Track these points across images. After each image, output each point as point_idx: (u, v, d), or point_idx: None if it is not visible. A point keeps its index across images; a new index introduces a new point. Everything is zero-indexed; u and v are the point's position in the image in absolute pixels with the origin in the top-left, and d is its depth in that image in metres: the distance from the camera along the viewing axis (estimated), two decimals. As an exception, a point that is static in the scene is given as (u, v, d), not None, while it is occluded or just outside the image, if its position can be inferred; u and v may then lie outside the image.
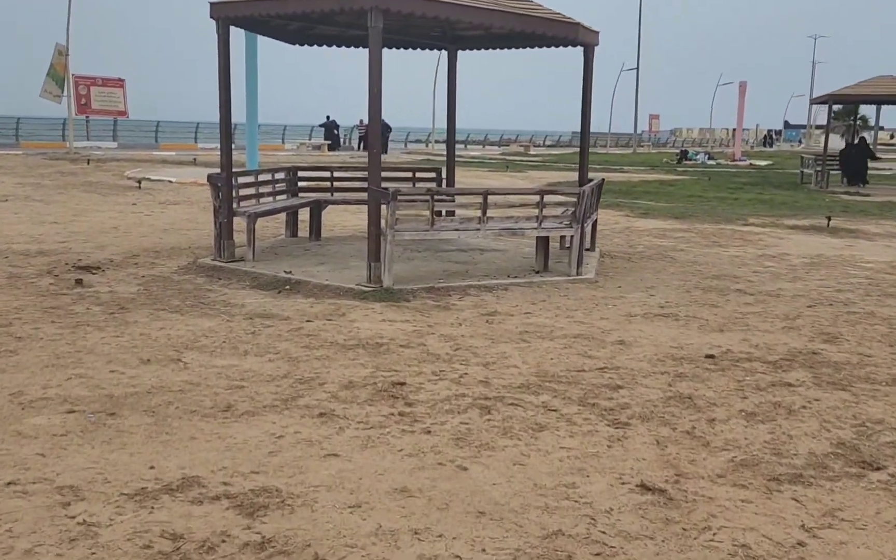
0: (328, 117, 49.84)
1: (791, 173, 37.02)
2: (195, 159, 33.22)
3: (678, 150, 56.21)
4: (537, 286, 9.77)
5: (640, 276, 10.68)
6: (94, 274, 9.84)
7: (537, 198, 9.85)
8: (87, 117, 43.68)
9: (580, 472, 4.62)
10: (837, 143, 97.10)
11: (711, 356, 6.93)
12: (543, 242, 10.34)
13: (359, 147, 50.99)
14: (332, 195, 13.01)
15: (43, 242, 12.04)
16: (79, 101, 40.72)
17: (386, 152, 49.46)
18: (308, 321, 7.81)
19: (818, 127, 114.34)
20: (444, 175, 13.88)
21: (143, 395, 5.63)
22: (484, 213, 9.54)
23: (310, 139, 51.07)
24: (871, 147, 29.73)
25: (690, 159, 49.67)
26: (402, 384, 6.00)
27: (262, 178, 11.89)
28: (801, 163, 31.30)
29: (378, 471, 4.57)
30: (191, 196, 19.66)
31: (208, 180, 10.50)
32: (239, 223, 10.94)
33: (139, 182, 21.29)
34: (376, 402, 5.64)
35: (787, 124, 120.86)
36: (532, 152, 59.36)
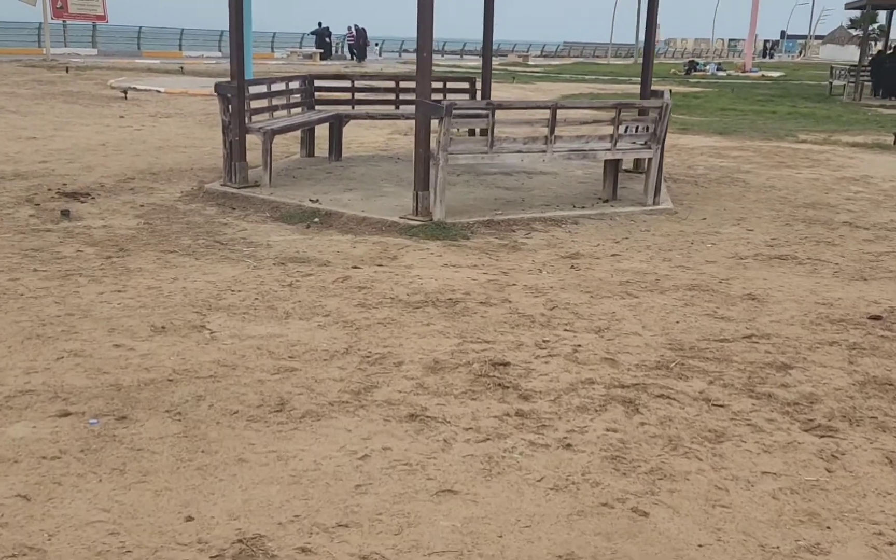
0: (320, 24, 47.34)
1: (812, 85, 35.29)
2: (182, 68, 31.08)
3: (686, 61, 54.01)
4: (611, 218, 8.25)
5: (723, 206, 9.17)
6: (82, 202, 8.23)
7: (612, 113, 8.24)
8: (64, 22, 41.11)
9: (812, 519, 3.18)
10: (851, 53, 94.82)
11: (878, 318, 5.46)
12: (613, 166, 8.78)
13: (351, 56, 48.63)
14: (353, 109, 11.32)
15: (20, 162, 10.36)
16: (54, 4, 38.13)
17: (364, 59, 47.32)
18: (355, 267, 6.28)
19: (818, 37, 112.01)
20: (478, 87, 12.18)
21: (163, 385, 4.12)
22: (552, 131, 7.94)
23: (300, 47, 48.57)
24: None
25: (700, 70, 47.65)
26: (505, 364, 4.52)
27: (275, 88, 10.18)
28: (830, 73, 29.51)
29: (521, 520, 3.11)
30: (183, 108, 17.85)
31: (216, 91, 8.82)
32: (251, 141, 9.30)
33: (125, 92, 19.44)
34: (480, 393, 4.16)
35: (783, 34, 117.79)
36: (531, 63, 57.04)
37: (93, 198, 8.45)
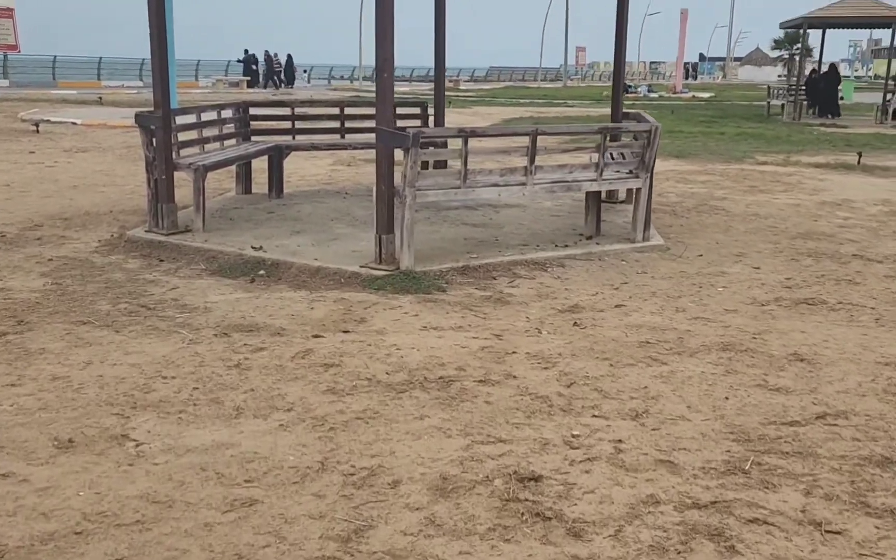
0: (246, 51, 45.87)
1: (745, 105, 35.27)
2: (101, 98, 29.35)
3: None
4: (600, 259, 7.24)
5: (714, 239, 8.26)
6: (-23, 259, 6.88)
7: (596, 139, 7.26)
8: (-28, 52, 38.82)
9: None
10: (768, 73, 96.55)
11: (961, 381, 4.52)
12: (595, 198, 7.79)
13: (277, 84, 47.26)
14: (294, 139, 10.13)
15: None
16: (-39, 33, 35.94)
17: (292, 85, 46.05)
18: (316, 336, 5.11)
19: (736, 59, 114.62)
20: (430, 113, 11.11)
21: (68, 544, 2.89)
22: (531, 161, 6.90)
23: (226, 75, 46.99)
24: (840, 76, 27.89)
25: (632, 92, 47.60)
26: (536, 478, 3.41)
27: (205, 117, 8.94)
28: (768, 93, 29.36)
29: None
30: (101, 141, 16.36)
31: (137, 122, 7.56)
32: (180, 179, 8.06)
33: (37, 125, 17.83)
34: (514, 530, 3.04)
35: (701, 57, 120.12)
36: (462, 88, 56.41)
37: (-10, 252, 7.10)
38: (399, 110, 10.58)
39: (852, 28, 29.04)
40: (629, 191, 8.83)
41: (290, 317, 5.49)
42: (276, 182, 9.67)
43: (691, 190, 11.51)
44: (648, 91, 48.54)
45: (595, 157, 7.38)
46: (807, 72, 28.21)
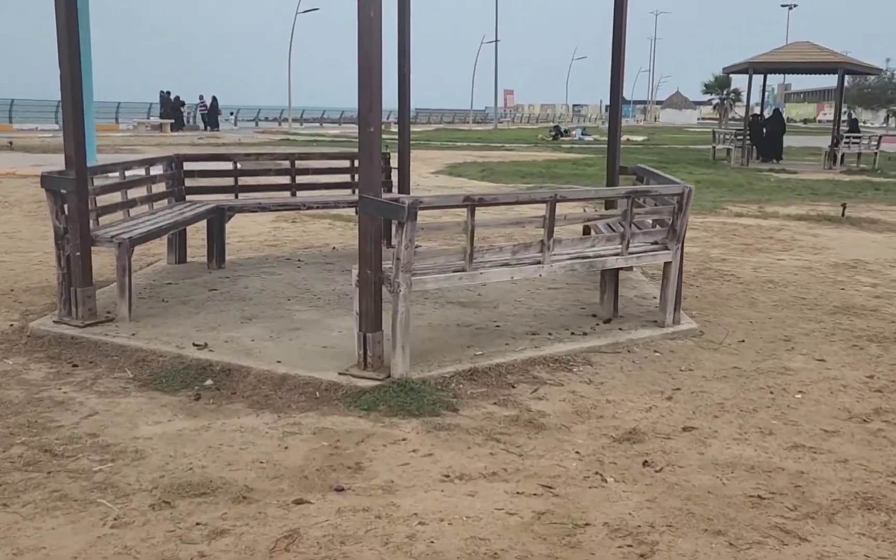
0: (162, 92, 43.74)
1: (683, 149, 34.87)
2: (11, 143, 27.15)
3: (552, 126, 53.55)
4: (629, 350, 5.89)
5: (744, 316, 7.02)
6: None
7: (625, 202, 5.94)
8: None
9: None
10: (688, 116, 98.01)
11: None
12: (613, 274, 6.44)
13: (205, 126, 45.31)
14: (237, 198, 8.57)
15: None
16: None
17: (217, 127, 44.18)
18: (299, 501, 3.59)
19: (658, 102, 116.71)
20: (393, 164, 9.70)
21: None
22: (549, 234, 5.52)
23: (148, 118, 44.79)
24: (784, 120, 27.50)
25: (566, 135, 47.10)
26: None
27: (130, 174, 7.33)
28: (713, 137, 28.84)
29: None
30: (8, 194, 14.46)
31: (44, 186, 5.94)
32: (99, 255, 6.45)
33: (-67, 175, 15.79)
34: None
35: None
36: (394, 130, 55.20)
37: None
38: (344, 163, 9.19)
39: (797, 74, 28.77)
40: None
41: (257, 465, 3.95)
42: (216, 250, 8.08)
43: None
44: (583, 134, 48.11)
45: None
46: (751, 116, 27.76)
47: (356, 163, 9.20)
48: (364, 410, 4.67)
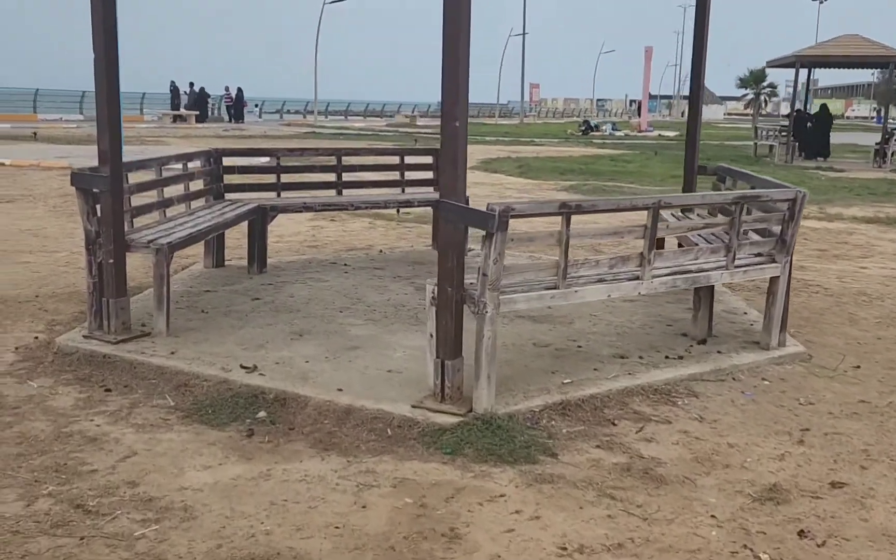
0: (191, 85, 43.21)
1: (718, 145, 33.89)
2: (35, 133, 26.65)
3: (581, 121, 52.62)
4: (734, 378, 5.16)
5: (847, 335, 6.28)
6: None
7: (734, 209, 5.20)
8: None
9: None
10: (714, 111, 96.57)
11: None
12: (708, 292, 5.69)
13: (230, 118, 44.79)
14: (279, 196, 7.89)
15: None
16: None
17: (242, 120, 43.63)
18: (392, 588, 2.88)
19: (684, 97, 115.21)
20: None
21: None
22: (650, 246, 4.79)
23: (172, 109, 44.26)
24: (832, 116, 26.49)
25: (595, 130, 46.16)
26: None
27: (167, 171, 6.67)
28: (755, 134, 27.92)
29: None
30: (33, 186, 13.88)
31: (75, 184, 5.27)
32: (134, 262, 5.80)
33: (-44, 167, 15.25)
34: None
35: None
36: (420, 124, 54.45)
37: None
38: (409, 159, 8.48)
39: (845, 68, 27.76)
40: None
41: (333, 531, 3.25)
42: (258, 253, 7.41)
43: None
44: (613, 129, 47.12)
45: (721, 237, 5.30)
46: (796, 112, 26.81)
47: (405, 159, 8.57)
48: (447, 454, 3.97)
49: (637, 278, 4.86)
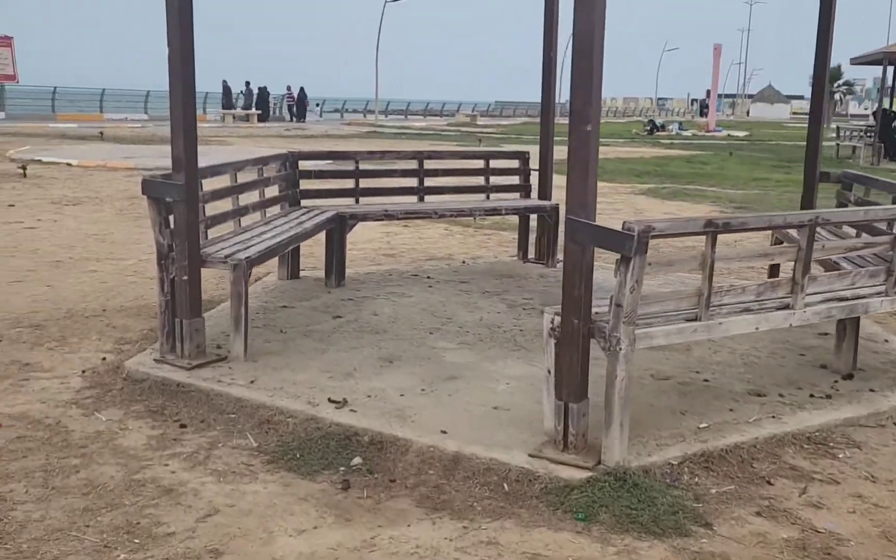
0: (247, 84, 43.18)
1: (789, 145, 32.58)
2: (102, 133, 26.73)
3: (646, 120, 51.46)
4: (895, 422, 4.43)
5: None
6: None
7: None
8: (-35, 82, 36.28)
9: None
10: (780, 110, 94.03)
11: None
12: (854, 320, 4.95)
13: (291, 117, 44.78)
14: (357, 202, 7.35)
15: None
16: (-46, 61, 33.45)
17: (304, 119, 43.55)
18: None
19: (748, 96, 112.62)
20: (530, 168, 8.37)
21: None
22: (805, 270, 4.10)
23: (235, 108, 44.37)
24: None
25: (661, 129, 45.01)
26: None
27: (242, 176, 6.15)
28: (837, 134, 26.70)
29: None
30: (99, 188, 13.62)
31: (147, 192, 4.77)
32: (209, 278, 5.30)
33: (23, 167, 15.09)
34: None
35: (709, 93, 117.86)
36: (480, 123, 53.77)
37: None
38: (494, 163, 7.87)
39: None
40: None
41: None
42: (336, 264, 6.87)
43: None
44: (680, 128, 45.89)
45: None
46: (882, 112, 25.51)
47: (490, 163, 7.96)
48: (580, 520, 3.34)
49: (787, 307, 4.18)
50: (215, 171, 5.62)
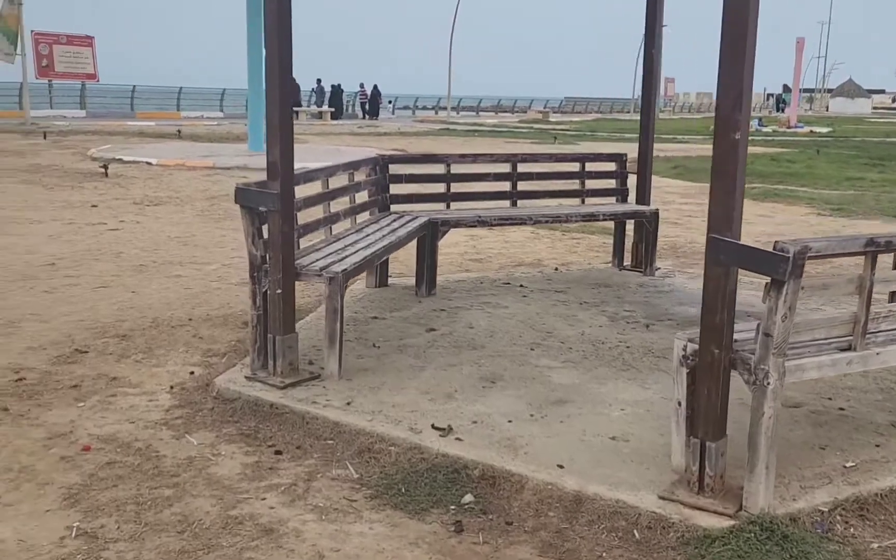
0: (319, 81, 43.41)
1: (883, 142, 31.23)
2: (179, 131, 27.03)
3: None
4: None
5: None
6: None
7: None
8: (49, 82, 37.16)
9: None
10: (861, 105, 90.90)
11: None
12: None
13: (364, 115, 44.85)
14: (448, 208, 7.04)
15: None
16: (39, 62, 34.25)
17: (377, 117, 43.60)
18: None
19: (828, 90, 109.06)
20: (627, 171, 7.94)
21: None
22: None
23: (308, 105, 44.64)
24: None
25: (741, 126, 43.63)
26: None
27: (333, 181, 5.88)
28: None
29: None
30: (179, 188, 13.60)
31: (240, 201, 4.51)
32: (301, 291, 5.04)
33: (105, 166, 15.20)
34: None
35: (786, 88, 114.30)
36: (552, 119, 53.08)
37: (-13, 426, 4.11)
38: (590, 166, 7.48)
39: None
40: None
41: None
42: (427, 272, 6.56)
43: None
44: (759, 125, 44.53)
45: None
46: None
47: (585, 166, 7.57)
48: (730, 585, 2.94)
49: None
50: (308, 177, 5.35)
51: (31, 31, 32.87)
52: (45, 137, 22.83)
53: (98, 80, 38.70)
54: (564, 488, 3.53)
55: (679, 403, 3.56)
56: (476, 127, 38.91)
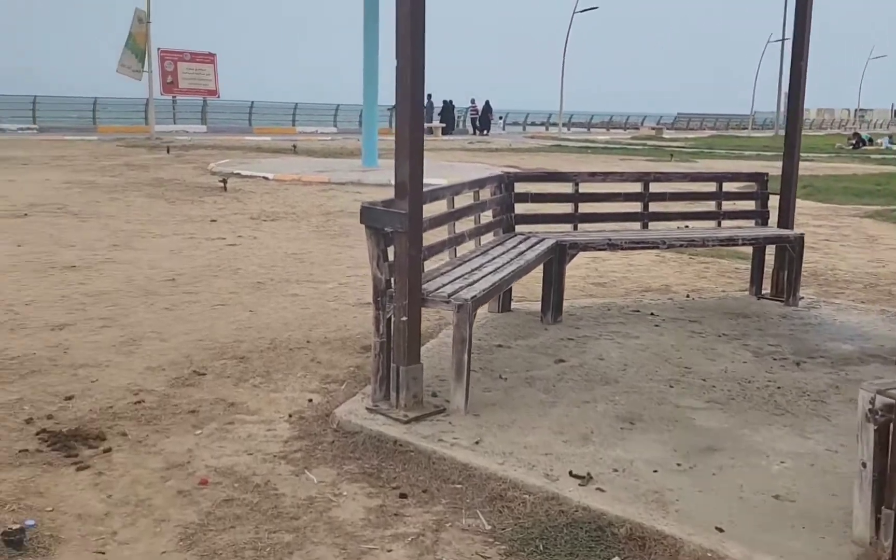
0: (429, 97, 43.55)
1: None
2: (294, 146, 27.49)
3: (850, 133, 47.92)
4: None
5: None
6: (79, 465, 3.77)
7: None
8: (174, 98, 38.55)
9: None
10: None
11: None
12: None
13: (474, 130, 44.80)
14: (576, 229, 6.65)
15: (18, 328, 6.07)
16: (164, 79, 35.58)
17: (488, 132, 43.45)
18: None
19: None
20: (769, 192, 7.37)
21: None
22: None
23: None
24: None
25: (869, 143, 41.63)
26: None
27: (459, 200, 5.58)
28: None
29: None
30: (295, 203, 13.64)
31: (366, 222, 4.26)
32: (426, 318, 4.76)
33: (224, 181, 15.42)
34: None
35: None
36: (666, 136, 51.78)
37: (104, 450, 3.97)
38: (727, 187, 6.96)
39: None
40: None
41: None
42: (553, 297, 6.19)
43: None
44: (890, 142, 42.32)
45: None
46: None
47: (723, 186, 7.07)
48: None
49: None
50: (434, 196, 5.07)
51: (158, 49, 34.16)
52: (168, 151, 23.54)
53: (219, 96, 39.95)
54: (727, 557, 3.10)
55: (864, 465, 3.09)
56: (588, 143, 38.31)
